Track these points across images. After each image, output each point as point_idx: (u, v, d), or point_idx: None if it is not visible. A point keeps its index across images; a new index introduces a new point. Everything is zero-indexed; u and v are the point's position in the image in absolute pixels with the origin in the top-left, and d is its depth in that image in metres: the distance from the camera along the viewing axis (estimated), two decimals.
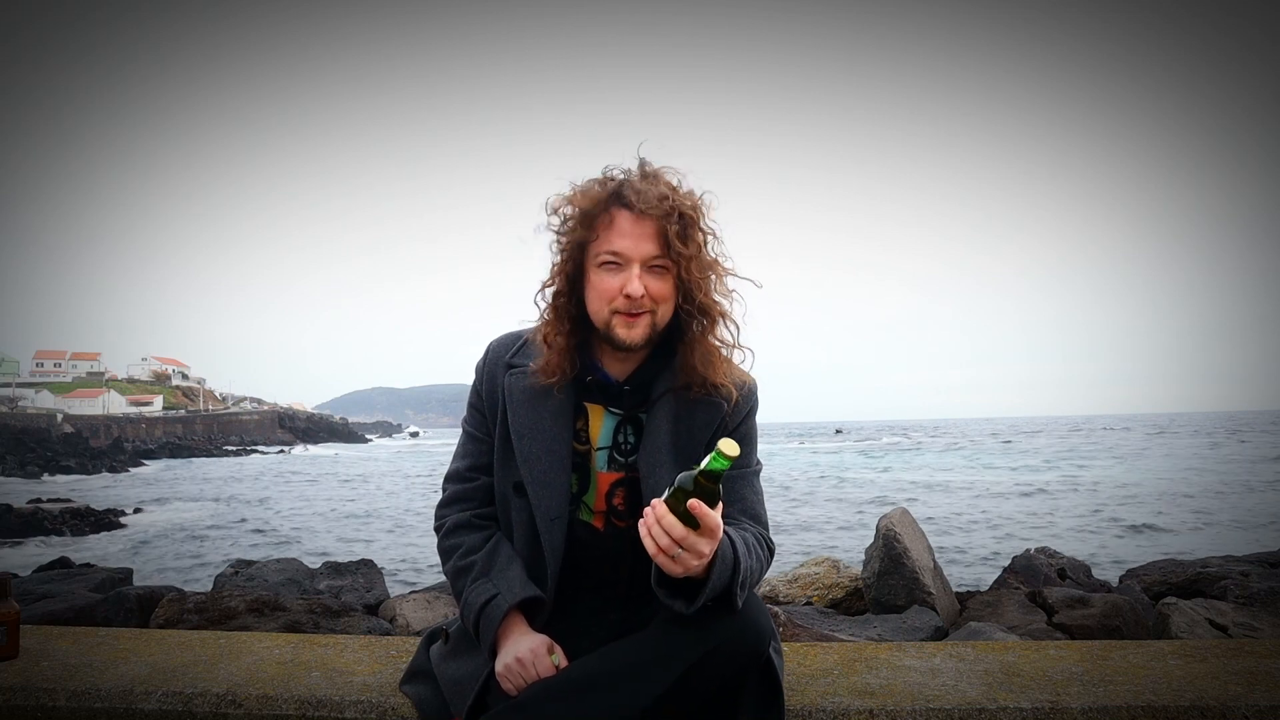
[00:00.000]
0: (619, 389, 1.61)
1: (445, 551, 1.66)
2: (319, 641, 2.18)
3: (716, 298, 1.55)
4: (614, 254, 1.50)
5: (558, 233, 1.56)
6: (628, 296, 1.49)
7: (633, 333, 1.53)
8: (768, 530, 1.63)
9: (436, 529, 1.71)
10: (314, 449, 75.05)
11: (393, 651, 2.07)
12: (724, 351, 1.59)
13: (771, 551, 1.60)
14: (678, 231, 1.48)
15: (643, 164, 1.54)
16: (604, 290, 1.52)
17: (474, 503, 1.68)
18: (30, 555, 15.14)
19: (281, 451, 71.30)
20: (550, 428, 1.59)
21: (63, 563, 6.50)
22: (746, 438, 1.65)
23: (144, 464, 53.57)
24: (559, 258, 1.57)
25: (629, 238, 1.48)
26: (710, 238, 1.54)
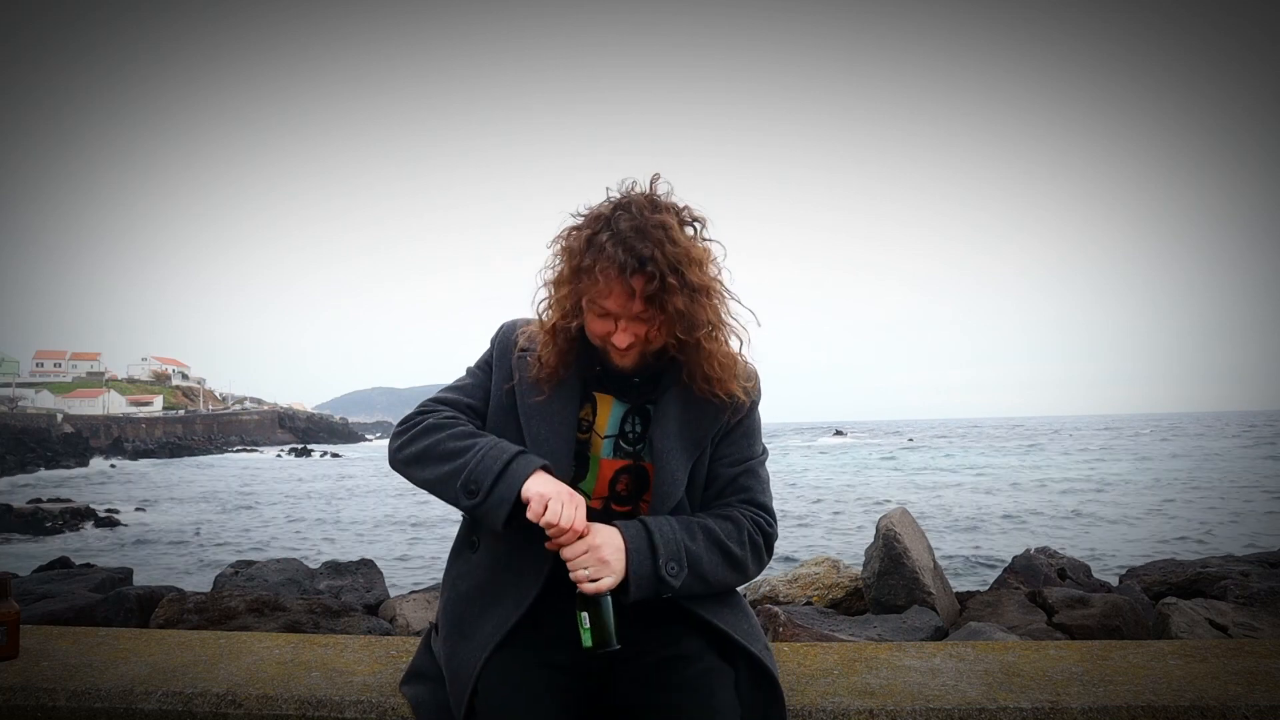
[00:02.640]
0: (628, 381, 1.65)
1: (432, 427, 1.61)
2: (319, 641, 2.18)
3: (710, 328, 1.55)
4: (601, 308, 1.53)
5: (554, 270, 1.59)
6: (614, 346, 1.56)
7: (624, 361, 1.60)
8: (771, 516, 1.67)
9: (405, 423, 1.66)
10: (316, 449, 75.04)
11: (393, 651, 2.07)
12: (721, 358, 1.60)
13: (767, 537, 1.65)
14: (661, 288, 1.47)
15: (643, 204, 1.52)
16: (596, 331, 1.58)
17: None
18: (30, 555, 15.14)
19: (288, 452, 71.10)
20: (559, 412, 1.64)
21: (63, 563, 6.50)
22: (751, 430, 1.71)
23: (143, 463, 53.55)
24: (557, 290, 1.59)
25: (613, 297, 1.50)
26: (710, 288, 1.53)
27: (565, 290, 1.56)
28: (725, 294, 1.58)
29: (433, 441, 1.59)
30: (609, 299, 1.50)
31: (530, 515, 1.46)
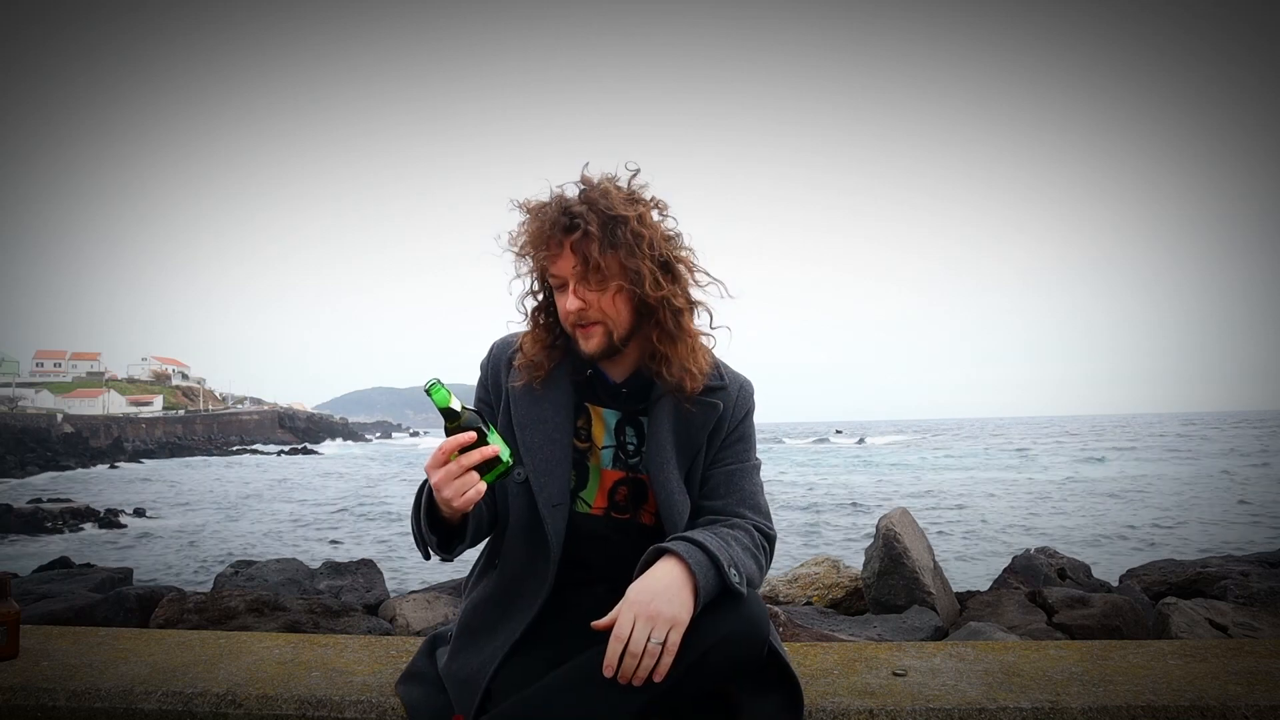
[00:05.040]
0: (617, 390, 1.66)
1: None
2: (319, 641, 2.18)
3: (668, 294, 1.55)
4: (554, 276, 1.57)
5: (518, 255, 1.61)
6: (568, 313, 1.56)
7: (588, 344, 1.59)
8: (769, 520, 1.66)
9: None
10: (316, 449, 75.06)
11: (393, 651, 2.07)
12: (693, 342, 1.61)
13: (770, 540, 1.64)
14: (597, 243, 1.49)
15: (585, 180, 1.57)
16: (560, 310, 1.59)
17: None
18: (30, 555, 15.14)
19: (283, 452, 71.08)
20: (551, 419, 1.64)
21: (63, 563, 6.52)
22: (745, 436, 1.71)
23: (143, 463, 53.56)
24: (528, 278, 1.63)
25: (558, 259, 1.54)
26: (652, 239, 1.53)
27: (534, 270, 1.61)
28: (690, 273, 1.58)
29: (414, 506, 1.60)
30: (555, 260, 1.53)
31: (430, 467, 1.42)
